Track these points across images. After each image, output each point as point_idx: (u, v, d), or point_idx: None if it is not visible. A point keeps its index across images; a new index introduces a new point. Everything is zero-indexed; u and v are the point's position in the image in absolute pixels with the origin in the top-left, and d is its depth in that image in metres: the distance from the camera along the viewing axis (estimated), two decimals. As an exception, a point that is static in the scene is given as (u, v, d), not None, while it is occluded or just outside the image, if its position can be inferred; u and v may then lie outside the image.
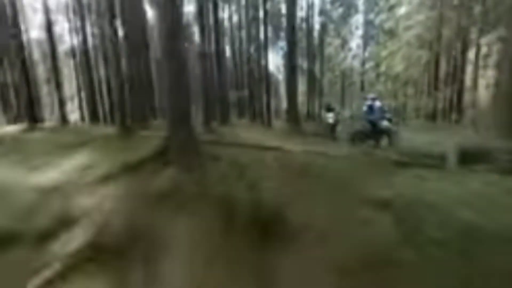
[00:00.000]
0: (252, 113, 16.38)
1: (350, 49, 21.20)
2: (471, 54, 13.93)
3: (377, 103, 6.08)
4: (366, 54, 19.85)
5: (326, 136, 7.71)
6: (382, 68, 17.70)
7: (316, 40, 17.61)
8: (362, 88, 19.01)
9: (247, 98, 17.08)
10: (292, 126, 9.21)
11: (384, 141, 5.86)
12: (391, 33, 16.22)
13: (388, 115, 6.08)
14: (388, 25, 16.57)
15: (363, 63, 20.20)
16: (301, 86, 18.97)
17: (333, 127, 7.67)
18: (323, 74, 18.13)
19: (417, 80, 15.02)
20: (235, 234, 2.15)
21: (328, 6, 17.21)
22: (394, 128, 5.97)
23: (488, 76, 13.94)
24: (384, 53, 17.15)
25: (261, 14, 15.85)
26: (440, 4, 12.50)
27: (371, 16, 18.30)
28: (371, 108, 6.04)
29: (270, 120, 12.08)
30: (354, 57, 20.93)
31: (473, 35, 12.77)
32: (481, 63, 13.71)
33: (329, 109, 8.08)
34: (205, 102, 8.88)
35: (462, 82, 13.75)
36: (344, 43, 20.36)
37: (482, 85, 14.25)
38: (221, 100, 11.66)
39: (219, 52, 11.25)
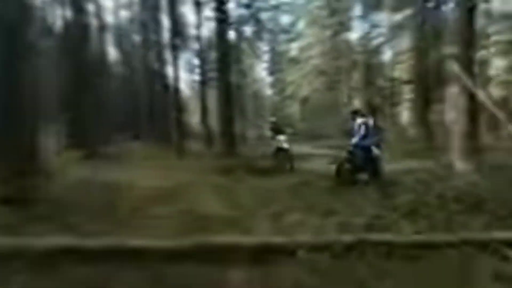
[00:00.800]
0: (153, 134, 12.53)
1: (260, 71, 21.89)
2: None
3: (371, 122, 4.59)
4: (273, 78, 21.04)
5: (280, 166, 5.80)
6: (288, 92, 19.10)
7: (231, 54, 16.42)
8: (275, 110, 19.61)
9: (145, 113, 12.95)
10: (226, 154, 6.76)
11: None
12: (295, 61, 17.89)
13: (377, 138, 4.66)
14: (291, 54, 18.21)
15: (271, 86, 21.32)
16: (214, 101, 16.93)
17: (289, 154, 5.87)
18: (241, 90, 17.04)
19: (325, 103, 16.98)
20: None
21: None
22: (382, 155, 4.71)
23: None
24: (289, 78, 18.61)
25: (165, 19, 12.81)
26: (336, 39, 14.78)
27: (275, 44, 19.65)
28: (367, 128, 4.44)
29: (183, 144, 9.10)
30: (262, 79, 21.84)
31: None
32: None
33: (278, 130, 6.27)
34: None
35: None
36: (253, 65, 20.74)
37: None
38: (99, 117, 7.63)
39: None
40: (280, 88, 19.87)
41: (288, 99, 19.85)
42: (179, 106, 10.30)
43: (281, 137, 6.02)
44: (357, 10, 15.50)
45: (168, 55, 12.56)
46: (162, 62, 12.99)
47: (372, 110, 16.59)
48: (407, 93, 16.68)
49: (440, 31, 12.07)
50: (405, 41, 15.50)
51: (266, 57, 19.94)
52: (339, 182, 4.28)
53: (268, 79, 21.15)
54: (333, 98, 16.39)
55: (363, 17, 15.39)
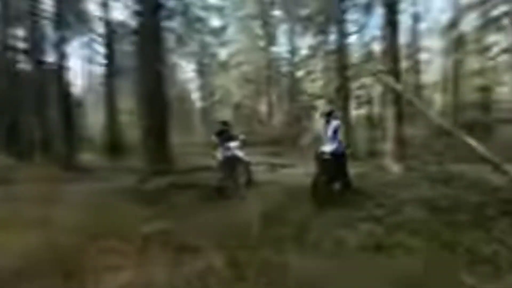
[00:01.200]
0: (19, 140, 8.72)
1: (188, 72, 19.77)
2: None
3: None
4: (202, 81, 19.43)
5: (234, 182, 4.55)
6: (217, 97, 18.08)
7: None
8: (205, 115, 18.05)
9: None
10: (155, 170, 5.08)
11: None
12: (225, 66, 17.15)
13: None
14: (221, 58, 17.39)
15: (199, 89, 19.60)
16: (125, 102, 13.64)
17: (245, 165, 4.62)
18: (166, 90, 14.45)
19: (257, 110, 16.90)
20: None
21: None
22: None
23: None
24: (219, 82, 17.66)
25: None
26: (266, 50, 15.10)
27: (205, 46, 18.31)
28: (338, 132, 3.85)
29: (72, 156, 6.55)
30: (189, 81, 19.81)
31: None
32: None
33: (227, 136, 4.94)
34: None
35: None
36: (180, 64, 18.53)
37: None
38: None
39: None
40: (210, 92, 18.63)
41: (218, 104, 18.81)
42: (69, 104, 7.31)
43: (233, 144, 4.83)
44: (285, 26, 16.66)
45: (51, 33, 8.97)
46: (35, 41, 9.08)
47: (294, 119, 18.38)
48: (320, 106, 19.26)
49: (346, 55, 14.72)
50: (320, 62, 18.06)
51: (195, 58, 18.38)
52: (319, 199, 3.56)
53: (196, 82, 19.47)
54: (263, 106, 16.72)
55: (290, 35, 16.72)
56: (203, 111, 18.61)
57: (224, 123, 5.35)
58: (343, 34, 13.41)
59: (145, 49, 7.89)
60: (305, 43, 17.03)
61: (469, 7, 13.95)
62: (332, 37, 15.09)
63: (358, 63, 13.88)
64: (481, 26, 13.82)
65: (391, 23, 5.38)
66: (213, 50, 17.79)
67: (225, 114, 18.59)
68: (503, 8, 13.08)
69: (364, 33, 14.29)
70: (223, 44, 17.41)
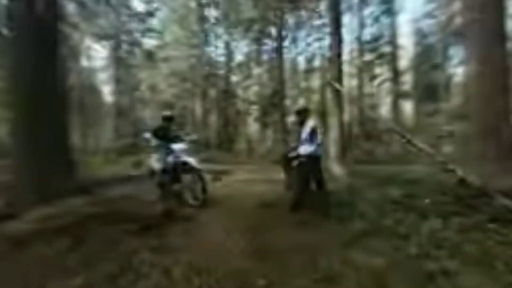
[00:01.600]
0: None
1: (96, 58, 15.54)
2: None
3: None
4: (119, 72, 15.73)
5: (182, 198, 3.26)
6: (144, 93, 15.18)
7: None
8: (122, 113, 14.69)
9: None
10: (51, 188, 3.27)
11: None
12: (150, 57, 14.60)
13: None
14: (146, 47, 14.72)
15: (114, 82, 15.73)
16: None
17: (198, 173, 3.31)
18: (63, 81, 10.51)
19: (192, 112, 15.08)
20: None
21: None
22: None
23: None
24: (143, 77, 14.88)
25: None
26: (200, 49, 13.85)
27: (126, 31, 14.96)
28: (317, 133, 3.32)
29: None
30: (101, 70, 15.57)
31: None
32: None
33: (172, 136, 3.60)
34: None
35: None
36: (87, 46, 14.29)
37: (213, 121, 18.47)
38: None
39: None
40: (130, 86, 15.32)
41: (141, 101, 15.81)
42: None
43: (178, 147, 3.57)
44: (221, 30, 15.99)
45: None
46: None
47: (227, 123, 17.96)
48: (254, 111, 19.63)
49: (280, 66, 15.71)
50: (255, 69, 18.47)
51: (111, 42, 14.62)
52: (302, 209, 2.94)
53: (111, 71, 15.60)
54: (197, 107, 15.31)
55: (226, 38, 16.17)
56: (119, 107, 15.10)
57: (168, 118, 3.98)
58: (278, 47, 14.20)
59: (26, 16, 5.21)
60: (240, 49, 17.01)
61: (366, 43, 17.93)
62: (267, 47, 15.73)
63: (289, 76, 14.92)
64: (372, 60, 18.04)
65: (337, 34, 5.75)
66: (136, 37, 14.89)
67: (149, 113, 15.83)
68: (387, 49, 17.82)
69: (295, 48, 15.60)
70: (148, 31, 14.87)
